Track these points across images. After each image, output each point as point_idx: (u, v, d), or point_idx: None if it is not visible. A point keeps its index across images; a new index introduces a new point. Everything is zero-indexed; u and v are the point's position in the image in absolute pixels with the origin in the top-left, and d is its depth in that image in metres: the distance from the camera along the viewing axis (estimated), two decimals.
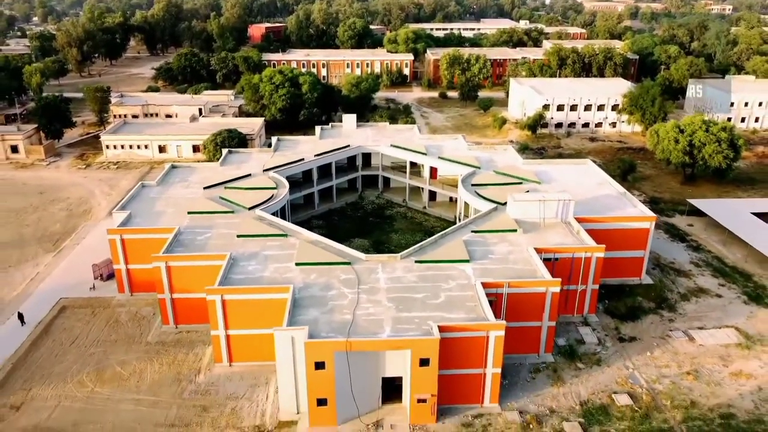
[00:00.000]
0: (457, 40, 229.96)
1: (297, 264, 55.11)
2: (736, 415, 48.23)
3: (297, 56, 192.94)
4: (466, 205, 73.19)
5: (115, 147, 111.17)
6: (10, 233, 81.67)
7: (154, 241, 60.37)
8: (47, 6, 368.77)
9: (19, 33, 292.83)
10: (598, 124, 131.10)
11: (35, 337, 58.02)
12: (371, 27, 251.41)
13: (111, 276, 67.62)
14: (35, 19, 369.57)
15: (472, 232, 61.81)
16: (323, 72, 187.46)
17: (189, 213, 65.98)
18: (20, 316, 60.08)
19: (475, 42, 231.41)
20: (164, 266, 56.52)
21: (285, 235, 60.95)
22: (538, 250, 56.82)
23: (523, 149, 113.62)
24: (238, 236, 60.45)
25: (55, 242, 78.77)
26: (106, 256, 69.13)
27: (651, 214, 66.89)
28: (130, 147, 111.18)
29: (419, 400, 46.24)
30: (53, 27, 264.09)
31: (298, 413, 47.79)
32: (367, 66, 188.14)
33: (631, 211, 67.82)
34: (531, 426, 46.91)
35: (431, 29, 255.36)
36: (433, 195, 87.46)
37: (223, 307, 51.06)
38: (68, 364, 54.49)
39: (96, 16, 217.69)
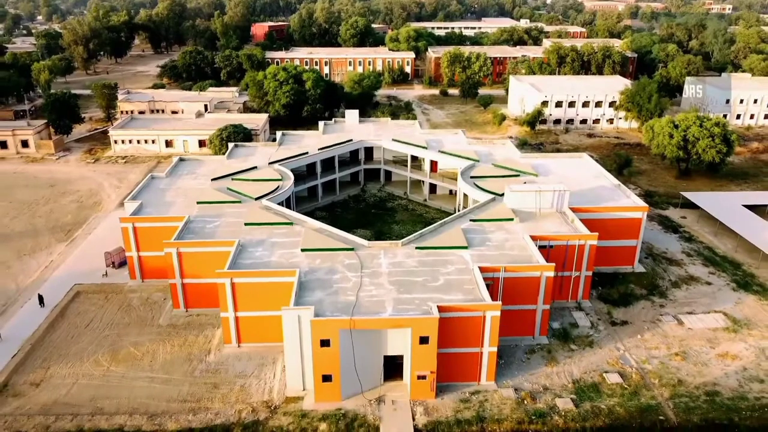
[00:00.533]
0: (458, 39, 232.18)
1: (302, 250, 57.62)
2: (721, 392, 50.70)
3: (300, 54, 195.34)
4: (465, 196, 75.62)
5: (123, 142, 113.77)
6: (24, 224, 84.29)
7: (165, 229, 62.91)
8: (51, 5, 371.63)
9: (24, 31, 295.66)
10: (596, 121, 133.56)
11: (52, 320, 60.62)
12: (373, 26, 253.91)
13: (123, 264, 70.21)
14: (40, 17, 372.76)
15: (471, 221, 64.31)
16: (326, 70, 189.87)
17: (198, 203, 68.53)
18: (40, 298, 62.91)
19: (475, 41, 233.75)
20: (176, 252, 59.07)
21: (291, 224, 63.50)
22: (534, 238, 59.29)
23: (522, 145, 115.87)
24: (246, 224, 63.01)
25: (67, 232, 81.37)
26: (116, 246, 71.87)
27: (643, 204, 69.34)
28: (138, 142, 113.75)
29: (419, 377, 48.75)
30: (58, 25, 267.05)
31: (304, 390, 50.28)
32: (369, 64, 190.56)
33: (625, 201, 70.27)
34: (525, 402, 49.39)
35: (432, 28, 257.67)
36: (433, 188, 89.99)
37: (232, 290, 53.53)
38: (84, 345, 57.05)
39: (101, 15, 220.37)
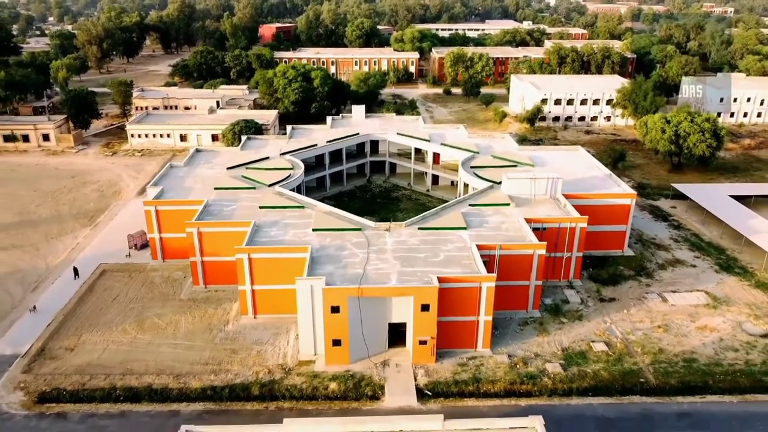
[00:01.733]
0: (462, 40, 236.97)
1: (314, 230, 62.35)
2: (698, 359, 55.17)
3: (307, 54, 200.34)
4: (466, 185, 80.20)
5: (139, 136, 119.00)
6: (49, 211, 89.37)
7: (185, 212, 67.64)
8: (63, 6, 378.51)
9: (37, 32, 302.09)
10: (594, 118, 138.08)
11: (81, 294, 65.59)
12: (378, 27, 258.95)
13: (144, 246, 75.13)
14: (51, 18, 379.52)
15: (470, 205, 68.98)
16: (332, 69, 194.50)
17: (215, 188, 73.36)
18: (75, 271, 68.49)
19: (479, 42, 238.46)
20: (196, 232, 63.93)
21: (302, 207, 68.31)
22: (528, 220, 63.88)
23: (521, 141, 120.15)
24: (261, 207, 67.80)
25: (90, 218, 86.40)
26: (138, 229, 76.76)
27: (632, 191, 73.86)
28: (154, 136, 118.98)
29: (421, 342, 53.38)
30: (70, 26, 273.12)
31: (315, 354, 54.95)
32: (375, 64, 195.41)
33: (615, 189, 74.78)
34: (518, 366, 53.97)
35: (437, 29, 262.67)
36: (435, 179, 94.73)
37: (249, 265, 58.33)
38: (112, 316, 61.95)
39: (114, 16, 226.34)
